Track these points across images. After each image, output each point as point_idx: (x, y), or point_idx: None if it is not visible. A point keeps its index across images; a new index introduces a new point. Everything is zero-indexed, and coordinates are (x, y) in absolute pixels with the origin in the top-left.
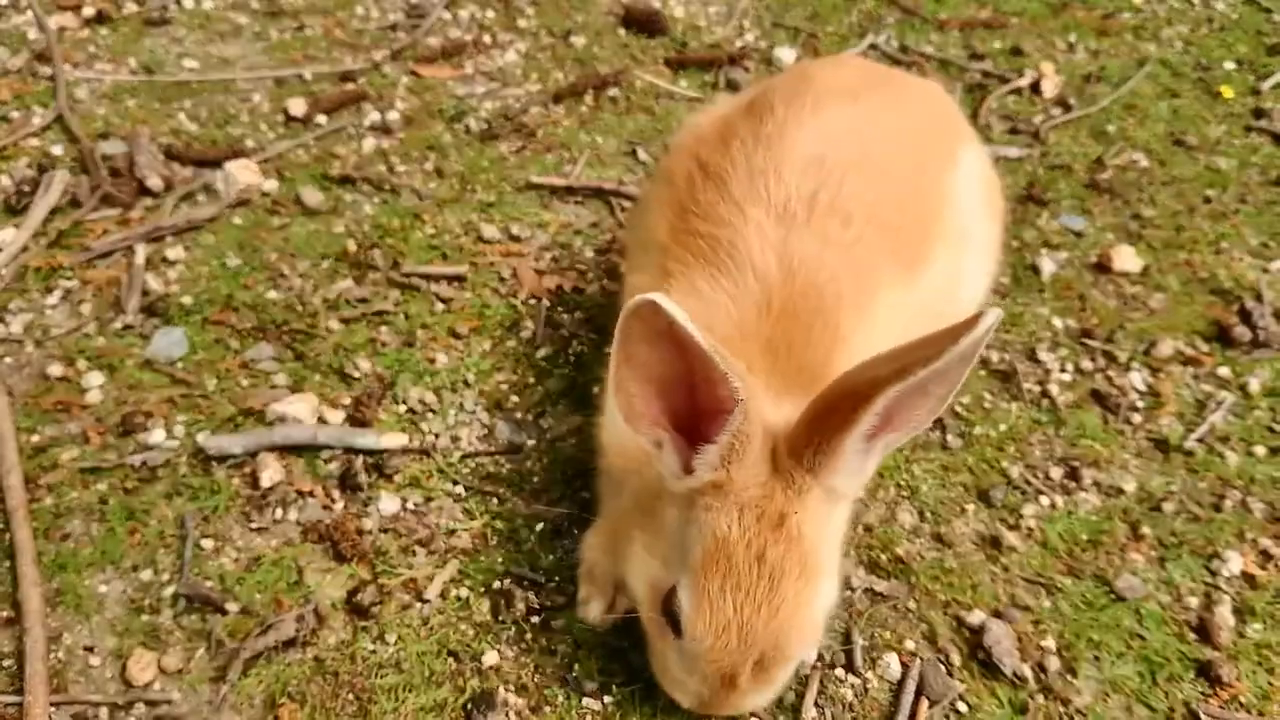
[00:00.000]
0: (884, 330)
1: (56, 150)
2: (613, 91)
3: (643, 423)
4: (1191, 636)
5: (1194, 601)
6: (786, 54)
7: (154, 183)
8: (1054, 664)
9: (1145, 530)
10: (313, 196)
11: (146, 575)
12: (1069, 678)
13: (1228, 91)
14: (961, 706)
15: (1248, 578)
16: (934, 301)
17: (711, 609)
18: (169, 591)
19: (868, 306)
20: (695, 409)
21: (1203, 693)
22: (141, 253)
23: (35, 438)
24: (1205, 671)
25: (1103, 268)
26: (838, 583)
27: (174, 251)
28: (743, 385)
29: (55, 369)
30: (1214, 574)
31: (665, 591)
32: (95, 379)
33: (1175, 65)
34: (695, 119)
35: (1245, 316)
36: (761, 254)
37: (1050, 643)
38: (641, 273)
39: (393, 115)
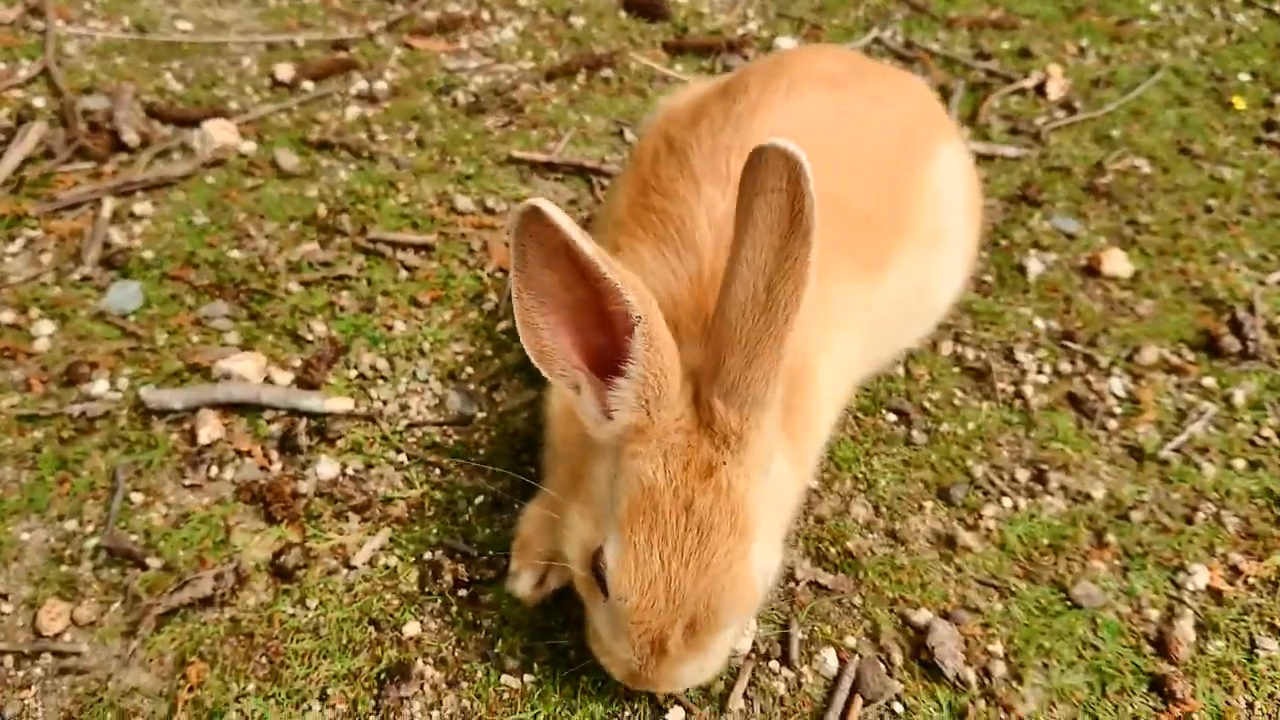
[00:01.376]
0: (839, 321)
1: (38, 103)
2: (606, 72)
3: (555, 363)
4: (1148, 649)
5: (1154, 614)
6: (788, 44)
7: (130, 138)
8: (999, 669)
9: (1110, 538)
10: (289, 160)
11: (71, 525)
12: (1014, 684)
13: (1240, 103)
14: (898, 707)
15: (1214, 592)
16: (902, 298)
17: (637, 562)
18: (91, 543)
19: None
20: (614, 348)
21: (1154, 708)
22: (109, 206)
23: None
24: (1158, 686)
25: (1092, 271)
26: (778, 556)
27: (142, 207)
28: (638, 301)
29: (7, 316)
30: (1178, 587)
31: (594, 550)
32: (45, 328)
33: (1188, 74)
34: (668, 100)
35: (1236, 327)
36: (705, 229)
37: (998, 647)
38: None
39: (380, 85)
